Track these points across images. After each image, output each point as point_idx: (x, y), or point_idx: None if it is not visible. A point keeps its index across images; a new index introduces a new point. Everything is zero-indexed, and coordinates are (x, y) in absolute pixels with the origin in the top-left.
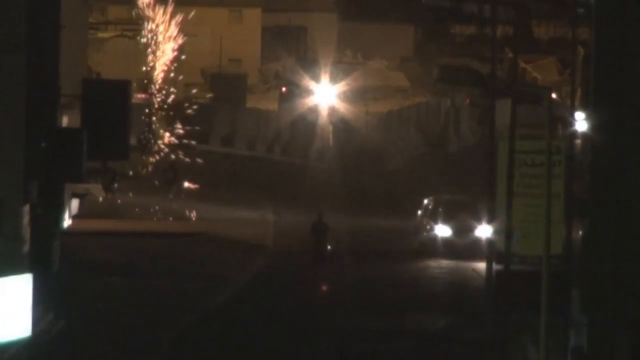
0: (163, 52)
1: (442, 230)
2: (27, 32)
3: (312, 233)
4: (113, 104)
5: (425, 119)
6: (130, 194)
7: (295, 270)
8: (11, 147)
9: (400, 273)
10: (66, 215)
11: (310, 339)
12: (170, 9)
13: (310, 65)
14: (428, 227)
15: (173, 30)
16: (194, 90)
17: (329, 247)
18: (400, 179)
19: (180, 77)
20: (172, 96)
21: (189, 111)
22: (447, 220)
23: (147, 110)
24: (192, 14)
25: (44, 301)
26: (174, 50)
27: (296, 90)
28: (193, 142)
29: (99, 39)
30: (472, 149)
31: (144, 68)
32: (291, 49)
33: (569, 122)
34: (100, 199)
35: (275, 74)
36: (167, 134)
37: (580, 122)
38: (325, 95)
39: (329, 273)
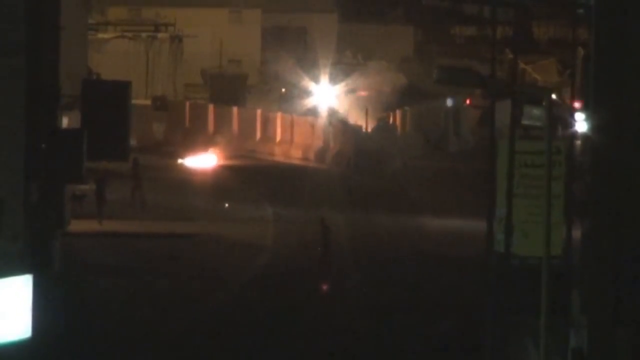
0: None
1: None
2: (27, 33)
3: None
4: (113, 104)
5: (425, 120)
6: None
7: (294, 271)
8: (11, 147)
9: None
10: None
11: (309, 339)
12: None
13: (310, 66)
14: None
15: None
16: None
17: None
18: (400, 180)
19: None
20: None
21: None
22: None
23: None
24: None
25: (44, 301)
26: None
27: (296, 91)
28: None
29: (98, 40)
30: (472, 150)
31: None
32: (291, 49)
33: (569, 122)
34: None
35: (275, 75)
36: None
37: (580, 123)
38: (325, 95)
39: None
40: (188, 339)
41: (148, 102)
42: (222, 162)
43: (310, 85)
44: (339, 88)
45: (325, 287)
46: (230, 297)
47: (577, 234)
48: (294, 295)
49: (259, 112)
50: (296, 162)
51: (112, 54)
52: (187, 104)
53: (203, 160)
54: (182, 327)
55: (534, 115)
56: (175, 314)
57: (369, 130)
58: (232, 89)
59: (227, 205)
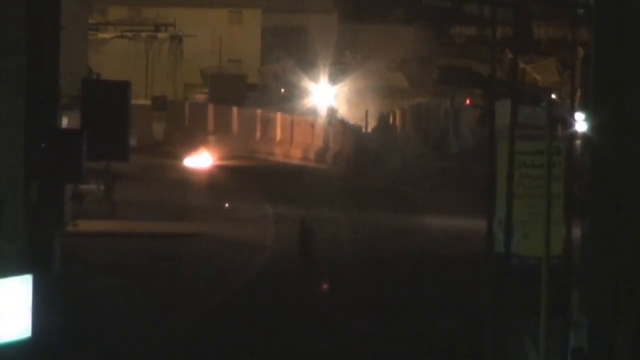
0: None
1: None
2: (27, 33)
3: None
4: (113, 104)
5: (425, 120)
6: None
7: (294, 271)
8: (11, 147)
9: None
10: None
11: (309, 338)
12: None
13: (309, 66)
14: None
15: None
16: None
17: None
18: (400, 180)
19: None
20: None
21: None
22: None
23: None
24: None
25: (44, 302)
26: None
27: (296, 91)
28: None
29: (99, 40)
30: (472, 150)
31: None
32: (291, 50)
33: (569, 123)
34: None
35: (275, 75)
36: None
37: (581, 123)
38: (324, 96)
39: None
40: (187, 339)
41: (148, 102)
42: (221, 162)
43: (310, 86)
44: (339, 88)
45: (325, 287)
46: (229, 297)
47: (577, 233)
48: (293, 295)
49: (259, 112)
50: (296, 162)
51: (112, 54)
52: (187, 104)
53: (200, 161)
54: (182, 327)
55: (528, 113)
56: (175, 314)
57: (369, 130)
58: (232, 89)
59: (227, 205)
